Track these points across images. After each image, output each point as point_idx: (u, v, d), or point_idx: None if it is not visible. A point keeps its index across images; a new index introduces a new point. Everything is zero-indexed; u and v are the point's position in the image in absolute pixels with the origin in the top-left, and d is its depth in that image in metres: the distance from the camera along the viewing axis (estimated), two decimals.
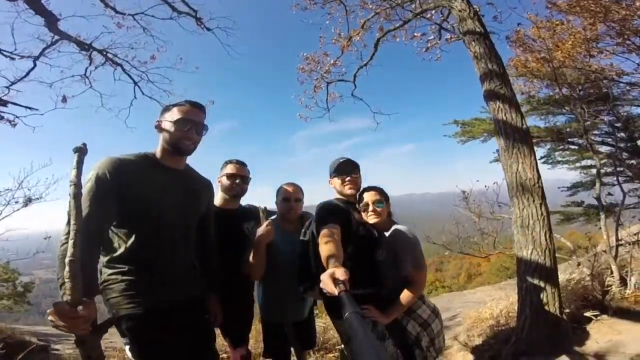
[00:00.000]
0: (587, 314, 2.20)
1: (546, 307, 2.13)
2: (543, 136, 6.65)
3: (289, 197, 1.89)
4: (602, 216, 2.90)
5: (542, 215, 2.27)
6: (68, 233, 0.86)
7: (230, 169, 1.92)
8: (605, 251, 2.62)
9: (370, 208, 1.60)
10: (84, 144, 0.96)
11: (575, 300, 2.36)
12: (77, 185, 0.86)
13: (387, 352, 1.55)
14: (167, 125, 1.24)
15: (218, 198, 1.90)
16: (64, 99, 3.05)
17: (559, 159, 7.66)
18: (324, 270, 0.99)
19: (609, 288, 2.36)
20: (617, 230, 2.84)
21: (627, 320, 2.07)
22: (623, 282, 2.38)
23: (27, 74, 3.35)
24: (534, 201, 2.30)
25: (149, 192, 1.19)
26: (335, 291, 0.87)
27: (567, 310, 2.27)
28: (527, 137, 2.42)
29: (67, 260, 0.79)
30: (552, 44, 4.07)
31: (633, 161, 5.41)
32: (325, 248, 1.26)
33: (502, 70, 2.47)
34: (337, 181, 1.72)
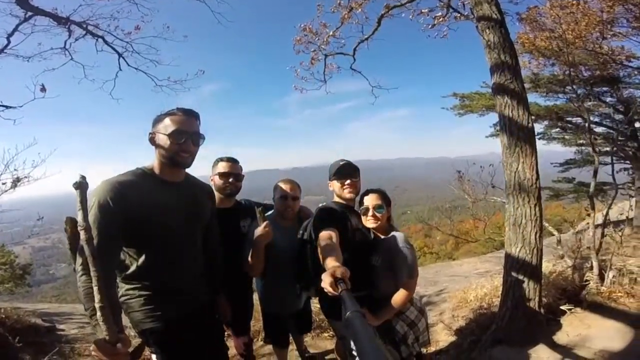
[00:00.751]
0: (563, 307, 2.37)
1: (526, 301, 2.28)
2: (542, 114, 6.57)
3: (286, 196, 1.87)
4: (592, 188, 2.84)
5: (535, 216, 2.31)
6: (83, 264, 0.97)
7: (222, 167, 1.88)
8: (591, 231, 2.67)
9: (370, 213, 1.62)
10: (83, 177, 0.90)
11: (554, 291, 2.52)
12: (87, 229, 0.87)
13: None
14: (162, 139, 1.20)
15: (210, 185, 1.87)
16: (43, 89, 2.78)
17: (555, 136, 7.66)
18: (323, 271, 0.98)
19: (587, 282, 2.51)
20: (608, 211, 2.87)
21: (598, 315, 2.25)
22: (602, 277, 2.53)
23: (2, 50, 3.02)
24: (529, 202, 2.32)
25: (153, 213, 1.19)
26: (336, 291, 0.87)
27: (545, 300, 2.44)
28: (532, 136, 2.36)
29: (97, 306, 0.87)
30: (565, 23, 3.81)
31: (628, 144, 5.47)
32: (324, 249, 1.27)
33: (515, 63, 2.32)
34: (336, 184, 1.71)
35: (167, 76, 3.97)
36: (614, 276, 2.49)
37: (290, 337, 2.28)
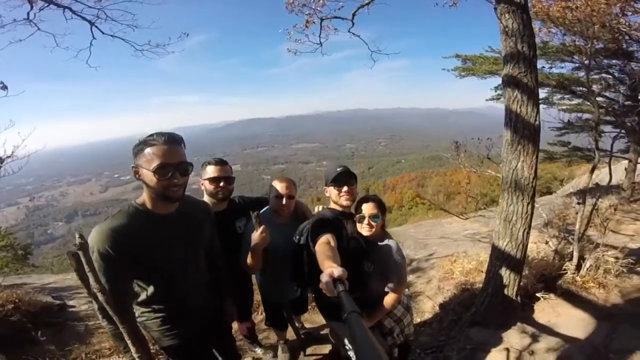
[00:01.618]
0: (539, 294, 2.57)
1: (505, 290, 2.47)
2: (546, 82, 6.27)
3: (282, 195, 1.86)
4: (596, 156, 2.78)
5: (526, 214, 2.36)
6: (100, 310, 1.07)
7: (211, 172, 1.83)
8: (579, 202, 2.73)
9: (366, 221, 1.64)
10: (82, 237, 0.93)
11: (533, 278, 2.71)
12: (103, 290, 0.98)
13: None
14: (147, 175, 1.13)
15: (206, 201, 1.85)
16: (4, 87, 2.46)
17: (556, 102, 7.45)
18: (320, 273, 0.99)
19: (565, 271, 2.69)
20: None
21: (569, 303, 2.45)
22: (579, 266, 2.70)
23: None
24: (522, 200, 2.34)
25: (153, 251, 1.20)
26: (335, 292, 0.89)
27: (524, 286, 2.64)
28: (537, 135, 2.27)
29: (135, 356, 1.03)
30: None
31: (629, 116, 5.38)
32: (322, 252, 1.30)
33: (532, 54, 2.11)
34: (333, 191, 1.70)
35: (147, 40, 3.55)
36: (590, 266, 2.66)
37: None
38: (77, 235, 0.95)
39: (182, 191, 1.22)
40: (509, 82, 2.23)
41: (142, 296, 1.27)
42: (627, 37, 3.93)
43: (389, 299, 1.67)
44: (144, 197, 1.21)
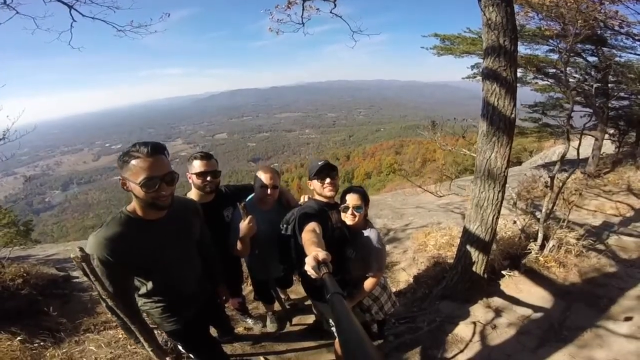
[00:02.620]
0: (504, 272, 2.82)
1: (474, 268, 2.70)
2: (522, 63, 6.35)
3: (266, 185, 1.98)
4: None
5: (497, 201, 2.52)
6: (109, 308, 1.23)
7: (197, 167, 1.92)
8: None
9: (350, 212, 1.78)
10: (82, 249, 1.10)
11: (500, 256, 2.95)
12: (111, 296, 1.18)
13: None
14: (135, 188, 1.17)
15: (194, 195, 1.97)
16: None
17: (529, 81, 7.56)
18: (305, 258, 1.05)
19: (529, 250, 2.92)
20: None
21: (530, 281, 2.70)
22: (543, 245, 2.94)
23: None
24: (494, 188, 2.49)
25: (148, 255, 1.29)
26: (319, 274, 0.94)
27: (491, 263, 2.88)
28: (512, 128, 2.36)
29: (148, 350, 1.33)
30: None
31: (598, 98, 5.49)
32: (308, 239, 1.41)
33: (513, 48, 2.12)
34: (317, 184, 1.83)
35: (129, 20, 3.41)
36: (553, 246, 2.89)
37: None
38: (77, 249, 1.08)
39: (171, 199, 1.26)
40: (489, 75, 2.27)
41: (143, 290, 1.39)
42: (601, 24, 3.93)
43: (368, 283, 1.84)
44: (134, 205, 1.25)
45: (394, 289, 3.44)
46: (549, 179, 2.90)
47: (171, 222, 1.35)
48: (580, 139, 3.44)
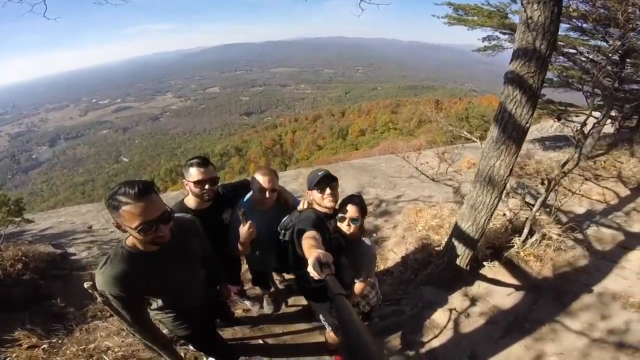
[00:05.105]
0: (486, 262, 3.02)
1: (458, 260, 2.87)
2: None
3: (265, 189, 1.94)
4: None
5: (492, 206, 2.54)
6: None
7: (195, 175, 1.82)
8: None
9: (346, 222, 1.80)
10: (93, 287, 1.22)
11: (485, 247, 3.12)
12: (137, 330, 1.39)
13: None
14: (132, 231, 1.17)
15: (192, 201, 1.92)
16: None
17: None
18: (305, 262, 1.09)
19: (512, 244, 3.09)
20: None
21: (508, 272, 2.92)
22: (526, 240, 3.09)
23: None
24: (492, 194, 2.48)
25: (154, 283, 1.35)
26: (322, 275, 0.97)
27: (475, 253, 3.06)
28: (523, 136, 2.22)
29: None
30: None
31: (609, 80, 5.17)
32: (307, 242, 1.45)
33: (548, 53, 1.84)
34: (317, 195, 1.81)
35: None
36: (535, 240, 3.04)
37: None
38: (97, 295, 1.23)
39: (169, 234, 1.26)
40: (513, 80, 2.02)
41: (154, 305, 1.49)
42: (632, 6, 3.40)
43: (358, 287, 1.95)
44: (133, 240, 1.25)
45: (382, 267, 3.70)
46: (546, 179, 2.87)
47: (173, 248, 1.36)
48: (586, 120, 3.26)
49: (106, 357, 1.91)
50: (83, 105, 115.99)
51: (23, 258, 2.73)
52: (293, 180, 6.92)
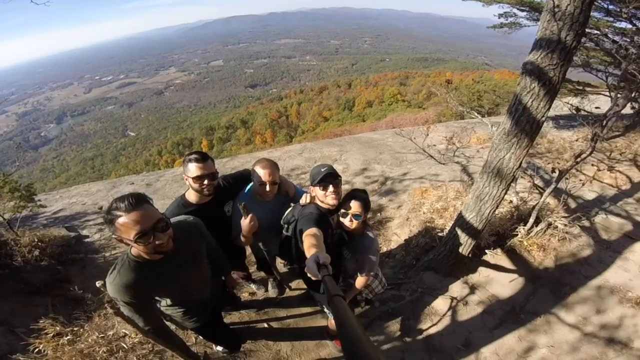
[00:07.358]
0: (488, 251, 3.03)
1: (460, 249, 2.90)
2: None
3: (265, 182, 1.96)
4: None
5: (498, 198, 2.49)
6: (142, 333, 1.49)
7: (194, 171, 1.84)
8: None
9: (348, 217, 1.82)
10: (105, 295, 1.35)
11: (488, 235, 3.11)
12: (151, 334, 1.50)
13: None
14: (131, 244, 1.19)
15: (193, 196, 1.94)
16: None
17: None
18: (304, 256, 1.15)
19: (516, 233, 3.07)
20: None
21: (509, 261, 2.93)
22: (530, 230, 3.06)
23: None
24: (499, 186, 2.42)
25: (162, 288, 1.42)
26: (319, 276, 0.99)
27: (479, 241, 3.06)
28: (537, 130, 2.11)
29: None
30: None
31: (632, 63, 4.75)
32: (308, 240, 1.49)
33: (574, 45, 1.68)
34: (319, 191, 1.81)
35: None
36: (540, 229, 3.02)
37: None
38: (107, 306, 1.35)
39: (171, 242, 1.28)
40: (532, 72, 1.87)
41: (163, 303, 1.58)
42: None
43: (359, 281, 2.00)
44: (138, 250, 1.27)
45: (384, 249, 3.76)
46: (557, 169, 2.78)
47: (178, 254, 1.39)
48: (606, 114, 3.08)
49: (124, 344, 2.04)
50: (86, 83, 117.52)
51: (39, 244, 2.85)
52: (298, 155, 6.84)
